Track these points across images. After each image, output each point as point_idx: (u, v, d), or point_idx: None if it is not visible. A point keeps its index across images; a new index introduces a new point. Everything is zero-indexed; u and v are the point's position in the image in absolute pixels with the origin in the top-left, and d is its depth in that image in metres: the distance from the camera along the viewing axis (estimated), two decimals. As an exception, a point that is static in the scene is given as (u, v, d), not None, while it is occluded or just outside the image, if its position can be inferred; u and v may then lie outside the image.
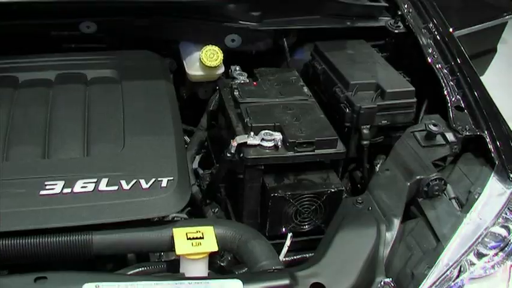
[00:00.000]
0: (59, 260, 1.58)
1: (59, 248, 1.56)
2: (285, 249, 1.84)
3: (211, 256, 1.63)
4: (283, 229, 1.88)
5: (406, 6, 2.39)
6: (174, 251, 1.58)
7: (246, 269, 1.76)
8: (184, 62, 2.31)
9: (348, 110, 2.00)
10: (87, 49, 2.34)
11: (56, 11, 2.18)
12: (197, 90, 2.37)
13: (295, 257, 1.90)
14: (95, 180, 1.63)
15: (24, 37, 2.35)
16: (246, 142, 1.82)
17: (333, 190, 1.85)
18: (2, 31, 2.26)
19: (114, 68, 2.10)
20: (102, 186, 1.62)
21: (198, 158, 2.29)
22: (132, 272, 1.63)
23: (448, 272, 1.60)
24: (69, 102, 1.92)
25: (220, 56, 2.22)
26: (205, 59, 2.20)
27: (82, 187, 1.61)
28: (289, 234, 1.87)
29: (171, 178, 1.65)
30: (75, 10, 2.19)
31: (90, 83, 2.02)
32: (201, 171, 2.20)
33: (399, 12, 2.37)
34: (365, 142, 2.01)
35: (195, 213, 2.01)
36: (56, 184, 1.61)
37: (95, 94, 1.96)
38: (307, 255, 1.90)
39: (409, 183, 1.79)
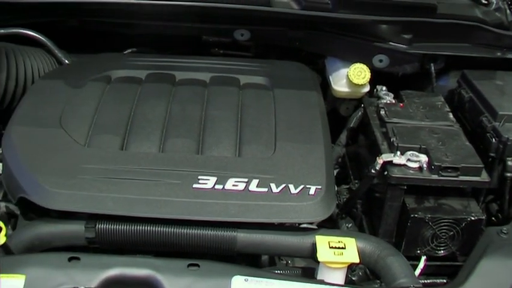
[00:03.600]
0: (200, 252, 1.66)
1: (204, 241, 1.63)
2: (417, 271, 1.84)
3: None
4: (418, 251, 1.87)
5: (561, 40, 2.34)
6: (315, 258, 1.61)
7: (377, 286, 1.78)
8: (330, 77, 2.35)
9: (494, 140, 1.97)
10: (234, 56, 2.44)
11: (215, 16, 2.27)
12: (339, 106, 2.41)
13: (425, 281, 1.89)
14: (246, 180, 1.68)
15: (177, 38, 2.48)
16: (392, 161, 1.83)
17: (473, 218, 1.83)
18: (159, 31, 2.40)
19: (266, 75, 2.16)
20: (253, 186, 1.67)
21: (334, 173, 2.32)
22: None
23: None
24: (223, 103, 2.00)
25: (368, 74, 2.25)
26: (352, 77, 2.23)
27: (233, 185, 1.67)
28: (423, 257, 1.87)
29: (319, 187, 1.69)
30: (233, 17, 2.27)
31: (243, 88, 2.10)
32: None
33: (553, 47, 2.33)
34: (509, 174, 1.98)
35: (324, 226, 2.03)
36: (208, 179, 1.68)
37: (248, 98, 2.03)
38: (438, 280, 1.90)
39: (557, 220, 1.76)
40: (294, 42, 2.35)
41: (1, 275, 1.46)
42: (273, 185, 1.68)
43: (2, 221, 1.62)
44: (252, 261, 1.83)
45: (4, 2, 2.21)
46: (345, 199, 2.09)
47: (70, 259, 1.48)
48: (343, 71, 2.29)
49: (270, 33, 2.34)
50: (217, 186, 1.67)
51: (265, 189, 1.67)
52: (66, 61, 2.32)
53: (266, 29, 2.33)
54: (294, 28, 2.31)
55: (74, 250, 1.64)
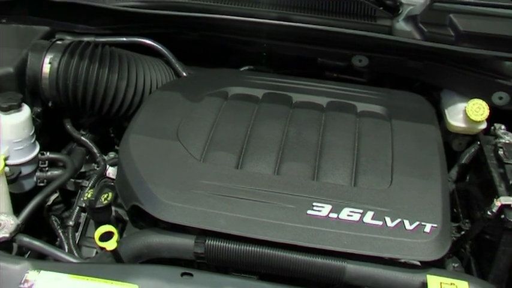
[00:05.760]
0: (307, 278, 1.64)
1: (313, 268, 1.62)
2: (526, 323, 1.78)
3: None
4: (529, 301, 1.81)
5: None
6: (424, 297, 1.57)
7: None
8: (445, 111, 2.29)
9: None
10: (348, 81, 2.41)
11: (335, 41, 2.26)
12: (451, 140, 2.34)
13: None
14: (361, 211, 1.66)
15: (292, 59, 2.48)
16: (510, 205, 1.77)
17: None
18: (276, 50, 2.41)
19: (384, 105, 2.13)
20: (367, 218, 1.65)
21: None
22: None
23: None
24: (340, 129, 1.97)
25: (486, 111, 2.17)
26: (470, 112, 2.17)
27: (348, 215, 1.65)
28: (533, 308, 1.80)
29: (435, 225, 1.64)
30: (354, 43, 2.25)
31: (360, 115, 2.07)
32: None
33: None
34: None
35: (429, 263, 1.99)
36: (323, 207, 1.67)
37: (365, 127, 2.00)
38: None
39: None
40: (412, 72, 2.31)
41: (114, 281, 1.48)
42: (388, 219, 1.65)
43: (114, 227, 1.65)
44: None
45: (128, 11, 2.27)
46: (453, 238, 2.03)
47: (182, 274, 1.49)
48: (460, 106, 2.23)
49: (389, 62, 2.30)
50: (331, 215, 1.65)
51: (380, 223, 1.64)
52: (184, 73, 2.36)
53: (385, 57, 2.29)
54: (414, 58, 2.26)
55: (176, 263, 1.67)
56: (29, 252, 1.83)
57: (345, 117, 2.03)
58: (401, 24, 2.25)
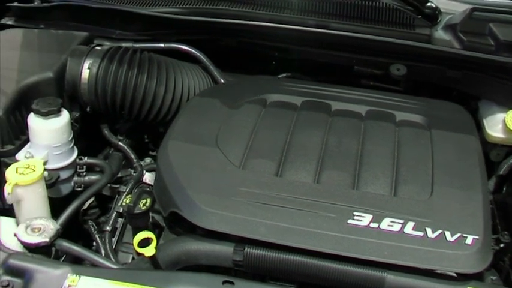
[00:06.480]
0: None
1: (352, 278, 1.60)
2: None
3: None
4: None
5: None
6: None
7: None
8: (483, 120, 2.27)
9: None
10: (384, 89, 2.39)
11: (373, 49, 2.25)
12: (489, 151, 2.32)
13: None
14: (402, 221, 1.64)
15: (328, 66, 2.47)
16: (552, 217, 1.76)
17: None
18: (311, 58, 2.40)
19: (423, 114, 2.11)
20: (408, 229, 1.63)
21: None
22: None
23: None
24: (379, 139, 1.96)
25: (526, 122, 2.16)
26: (510, 123, 2.15)
27: (388, 225, 1.63)
28: None
29: (477, 237, 1.62)
30: (392, 52, 2.24)
31: (399, 125, 2.05)
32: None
33: None
34: None
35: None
36: (364, 217, 1.65)
37: (404, 136, 1.98)
38: None
39: None
40: (451, 81, 2.29)
41: (153, 288, 1.48)
42: (429, 230, 1.63)
43: (153, 233, 1.65)
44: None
45: (166, 17, 2.28)
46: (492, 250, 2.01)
47: (224, 282, 1.48)
48: (499, 116, 2.21)
49: (427, 71, 2.29)
50: (372, 225, 1.64)
51: (421, 234, 1.62)
52: (222, 80, 2.36)
53: (424, 66, 2.27)
54: (453, 67, 2.24)
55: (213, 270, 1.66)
56: (64, 256, 1.83)
57: (384, 126, 2.02)
58: (440, 33, 2.24)
